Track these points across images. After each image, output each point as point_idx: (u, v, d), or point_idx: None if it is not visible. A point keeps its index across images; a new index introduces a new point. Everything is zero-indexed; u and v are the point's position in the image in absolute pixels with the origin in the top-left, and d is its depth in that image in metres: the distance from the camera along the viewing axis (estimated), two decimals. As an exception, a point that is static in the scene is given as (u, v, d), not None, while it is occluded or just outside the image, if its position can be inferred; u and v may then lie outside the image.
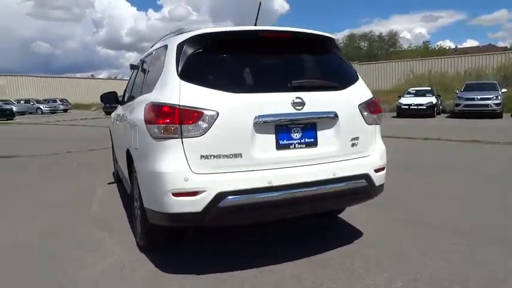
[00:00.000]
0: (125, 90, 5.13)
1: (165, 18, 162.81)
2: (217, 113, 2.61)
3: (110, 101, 5.09)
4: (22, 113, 34.47)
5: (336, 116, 2.94)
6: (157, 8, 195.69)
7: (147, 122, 2.77)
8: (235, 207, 2.64)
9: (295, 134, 2.84)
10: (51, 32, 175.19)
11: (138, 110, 3.16)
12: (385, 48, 56.40)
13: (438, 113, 20.03)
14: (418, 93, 20.71)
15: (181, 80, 2.70)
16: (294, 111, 2.78)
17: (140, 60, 4.53)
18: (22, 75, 47.46)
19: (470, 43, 76.66)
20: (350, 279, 2.83)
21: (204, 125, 2.60)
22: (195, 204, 2.59)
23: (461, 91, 19.11)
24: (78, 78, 58.13)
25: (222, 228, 3.73)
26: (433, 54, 42.60)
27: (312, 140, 2.90)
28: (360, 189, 3.06)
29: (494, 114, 17.10)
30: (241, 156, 2.67)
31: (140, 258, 3.25)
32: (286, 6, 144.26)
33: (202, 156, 2.61)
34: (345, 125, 3.00)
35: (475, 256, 3.13)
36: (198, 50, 2.83)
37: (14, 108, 31.96)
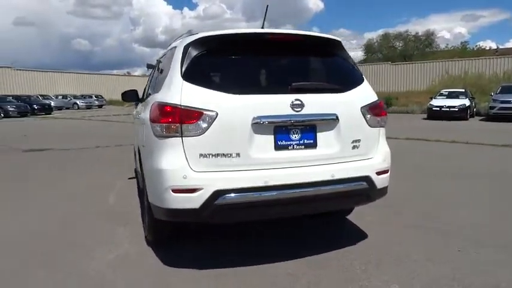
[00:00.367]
0: (144, 88, 5.30)
1: (199, 16, 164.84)
2: (217, 114, 2.69)
3: (131, 98, 5.27)
4: (59, 108, 35.85)
5: (337, 118, 2.96)
6: (193, 6, 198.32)
7: (152, 120, 2.88)
8: (231, 205, 2.71)
9: (294, 135, 2.88)
10: (91, 30, 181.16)
11: (147, 109, 3.30)
12: (420, 48, 54.84)
13: (472, 116, 19.39)
14: (450, 95, 20.10)
15: (184, 81, 2.80)
16: (293, 112, 2.82)
17: (157, 60, 4.68)
18: (61, 72, 49.22)
19: (514, 43, 73.20)
20: (346, 279, 2.85)
21: (204, 125, 2.69)
22: (193, 201, 2.69)
23: (496, 93, 18.41)
24: (113, 75, 59.78)
25: (225, 226, 3.81)
26: (471, 55, 41.07)
27: (311, 141, 2.93)
28: (360, 191, 3.06)
29: (531, 118, 16.36)
30: (239, 156, 2.74)
31: (146, 251, 3.38)
32: (321, 5, 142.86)
33: (201, 155, 2.71)
34: (346, 127, 3.01)
35: (481, 264, 3.06)
36: (202, 52, 2.92)
37: (52, 103, 33.36)
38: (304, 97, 2.86)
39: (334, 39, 3.29)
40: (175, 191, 2.70)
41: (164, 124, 2.75)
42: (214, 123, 2.70)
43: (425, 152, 9.01)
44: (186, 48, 2.97)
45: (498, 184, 5.73)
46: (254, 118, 2.74)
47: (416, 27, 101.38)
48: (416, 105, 24.60)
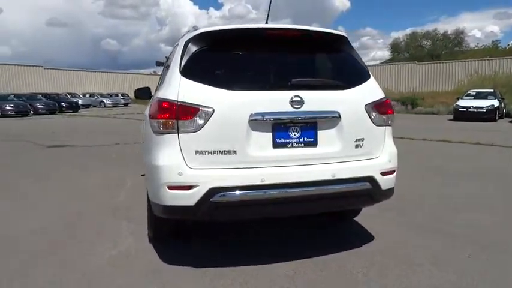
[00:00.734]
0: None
1: (225, 16, 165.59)
2: (213, 110, 2.65)
3: (144, 95, 5.29)
4: (87, 106, 36.76)
5: (339, 115, 2.86)
6: (218, 6, 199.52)
7: (150, 116, 2.87)
8: (227, 203, 2.67)
9: (293, 133, 2.81)
10: (119, 30, 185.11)
11: (148, 105, 3.29)
12: (449, 48, 53.33)
13: (501, 117, 18.71)
14: (478, 96, 19.45)
15: (182, 77, 2.78)
16: (292, 109, 2.75)
17: (166, 57, 4.69)
18: (89, 71, 50.50)
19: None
20: (344, 283, 2.77)
21: (200, 121, 2.65)
22: (189, 198, 2.65)
23: (528, 94, 17.68)
24: (140, 74, 60.82)
25: (225, 224, 3.79)
26: (502, 54, 39.63)
27: (312, 139, 2.85)
28: (363, 192, 2.95)
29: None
30: (235, 153, 2.69)
31: (147, 248, 3.38)
32: (347, 4, 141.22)
33: (197, 152, 2.67)
34: (349, 126, 2.91)
35: (490, 273, 2.91)
36: (201, 48, 2.88)
37: (80, 101, 34.34)
38: (304, 93, 2.78)
39: (337, 34, 3.18)
40: (170, 187, 2.67)
41: (161, 120, 2.72)
42: (210, 119, 2.65)
43: (446, 153, 8.73)
44: (186, 44, 2.94)
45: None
46: (251, 115, 2.69)
47: (446, 26, 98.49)
48: (442, 105, 23.96)
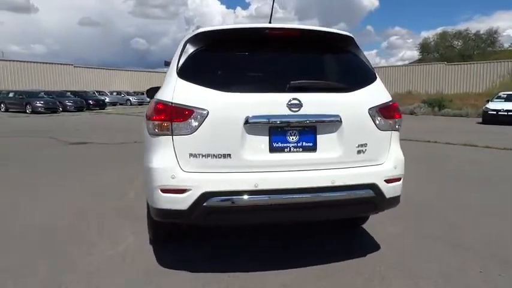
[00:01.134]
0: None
1: (251, 15, 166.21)
2: (207, 112, 2.58)
3: (154, 95, 5.30)
4: (114, 104, 37.47)
5: (340, 119, 2.74)
6: (245, 5, 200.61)
7: (147, 118, 2.83)
8: (220, 208, 2.59)
9: (291, 137, 2.70)
10: (148, 29, 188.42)
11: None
12: (482, 48, 51.43)
13: (534, 121, 17.84)
14: (510, 98, 18.56)
15: (178, 78, 2.72)
16: (290, 112, 2.64)
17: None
18: (117, 69, 51.56)
19: None
20: (342, 295, 2.65)
21: (194, 124, 2.59)
22: (181, 202, 2.59)
23: None
24: (165, 72, 61.70)
25: (223, 228, 3.73)
26: (538, 54, 38.03)
27: (311, 144, 2.73)
28: (365, 199, 2.81)
29: None
30: (230, 157, 2.61)
31: (145, 249, 3.35)
32: (376, 3, 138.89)
33: (191, 155, 2.60)
34: (351, 130, 2.78)
35: None
36: (199, 48, 2.82)
37: (107, 99, 35.05)
38: (303, 96, 2.66)
39: (341, 34, 3.03)
40: (163, 190, 2.62)
41: (156, 122, 2.67)
42: (205, 121, 2.58)
43: (469, 158, 8.36)
44: (184, 44, 2.89)
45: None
46: (247, 118, 2.60)
47: (480, 25, 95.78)
48: (471, 108, 23.15)
